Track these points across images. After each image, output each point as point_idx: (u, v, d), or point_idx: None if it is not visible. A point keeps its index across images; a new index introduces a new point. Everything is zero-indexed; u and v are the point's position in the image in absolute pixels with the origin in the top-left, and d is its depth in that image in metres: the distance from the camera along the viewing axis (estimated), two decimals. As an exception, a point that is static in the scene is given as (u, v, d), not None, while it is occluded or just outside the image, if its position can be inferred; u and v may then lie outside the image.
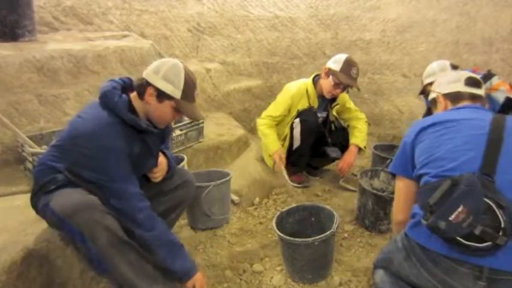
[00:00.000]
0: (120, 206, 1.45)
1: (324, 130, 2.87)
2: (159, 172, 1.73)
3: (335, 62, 2.67)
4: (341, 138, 2.91)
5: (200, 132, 2.90)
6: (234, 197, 2.54)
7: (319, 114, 2.82)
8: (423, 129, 1.36)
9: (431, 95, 1.62)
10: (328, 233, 1.74)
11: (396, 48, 4.53)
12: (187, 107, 1.54)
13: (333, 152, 2.88)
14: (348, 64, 2.63)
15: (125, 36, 3.53)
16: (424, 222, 1.16)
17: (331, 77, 2.65)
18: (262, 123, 2.82)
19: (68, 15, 3.51)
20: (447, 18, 4.51)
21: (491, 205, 1.08)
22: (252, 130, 4.07)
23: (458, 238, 1.10)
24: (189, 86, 1.52)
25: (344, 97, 2.90)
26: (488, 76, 1.83)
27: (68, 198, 1.40)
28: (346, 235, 2.28)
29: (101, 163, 1.42)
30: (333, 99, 2.83)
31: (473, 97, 1.47)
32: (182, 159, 2.42)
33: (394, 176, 1.53)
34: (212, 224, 2.26)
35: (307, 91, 2.75)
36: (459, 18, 4.52)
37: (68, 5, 3.49)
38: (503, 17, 4.49)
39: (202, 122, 2.89)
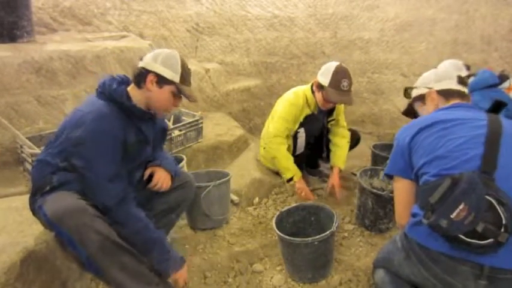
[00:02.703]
0: (95, 199, 1.44)
1: (323, 141, 2.83)
2: (161, 184, 1.74)
3: (323, 75, 2.45)
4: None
5: (199, 132, 2.90)
6: (234, 197, 2.53)
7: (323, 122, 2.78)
8: (421, 129, 1.35)
9: (419, 91, 1.59)
10: (328, 232, 1.74)
11: (395, 47, 4.53)
12: (186, 90, 1.62)
13: (327, 169, 2.87)
14: (337, 76, 2.40)
15: (123, 36, 3.53)
16: (425, 221, 1.16)
17: (321, 92, 2.50)
18: (276, 142, 2.58)
19: (66, 16, 3.50)
20: (446, 17, 4.51)
21: (493, 202, 1.08)
22: (251, 130, 4.07)
23: (460, 236, 1.10)
24: (186, 71, 1.62)
25: (339, 108, 2.80)
26: (504, 77, 1.84)
27: (59, 202, 1.39)
28: (346, 234, 2.27)
29: (91, 148, 1.43)
30: (331, 110, 2.74)
31: (462, 95, 1.48)
32: (181, 160, 2.42)
33: (390, 177, 1.51)
34: (211, 224, 2.26)
35: (307, 100, 2.60)
36: (458, 17, 4.52)
37: (66, 6, 3.49)
38: (502, 15, 4.49)
39: (202, 122, 2.89)
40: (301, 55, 4.50)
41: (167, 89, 1.59)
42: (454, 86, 1.49)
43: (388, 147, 3.22)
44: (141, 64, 1.58)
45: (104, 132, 1.44)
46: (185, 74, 1.62)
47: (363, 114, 4.46)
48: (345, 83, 2.40)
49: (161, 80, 1.57)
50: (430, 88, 1.53)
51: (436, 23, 4.51)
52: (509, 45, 4.46)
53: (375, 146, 3.16)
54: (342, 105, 2.81)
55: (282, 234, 1.79)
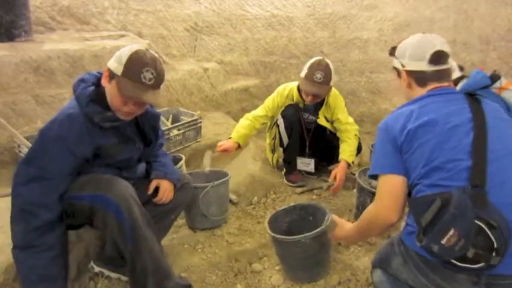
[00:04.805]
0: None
1: (304, 135, 2.83)
2: (165, 198, 1.74)
3: (304, 68, 2.59)
4: (325, 147, 2.90)
5: (198, 132, 2.90)
6: (233, 197, 2.53)
7: (306, 115, 2.80)
8: (409, 133, 1.26)
9: (395, 62, 1.45)
10: (318, 230, 1.72)
11: (394, 47, 4.54)
12: (128, 85, 1.38)
13: (304, 165, 2.85)
14: (312, 68, 2.51)
15: (122, 36, 3.53)
16: (418, 244, 1.15)
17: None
18: (245, 117, 2.81)
19: (65, 15, 3.49)
20: (444, 16, 4.52)
21: (483, 227, 1.06)
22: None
23: (452, 261, 1.10)
24: (133, 63, 1.38)
25: (335, 103, 2.80)
26: (495, 77, 1.81)
27: (93, 178, 1.47)
28: (344, 234, 2.27)
29: (39, 149, 1.40)
30: (319, 106, 2.77)
31: (439, 76, 1.35)
32: (180, 159, 2.41)
33: (375, 177, 1.35)
34: (210, 224, 2.26)
35: (292, 93, 2.73)
36: (456, 16, 4.53)
37: (65, 5, 3.48)
38: (500, 15, 4.50)
39: (200, 122, 2.89)
40: (299, 55, 4.50)
41: (113, 83, 1.41)
42: (426, 67, 1.34)
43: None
44: None
45: (55, 138, 1.39)
46: (131, 66, 1.37)
47: (361, 114, 4.46)
48: (318, 75, 2.48)
49: (110, 74, 1.41)
50: (402, 65, 1.41)
51: (435, 23, 4.51)
52: (507, 45, 4.47)
53: (373, 146, 3.16)
54: (341, 103, 2.83)
55: (272, 233, 1.79)
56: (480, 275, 1.11)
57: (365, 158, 3.35)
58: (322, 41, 4.52)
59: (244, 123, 2.77)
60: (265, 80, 4.41)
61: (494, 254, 1.06)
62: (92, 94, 1.44)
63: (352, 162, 2.76)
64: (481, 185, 1.12)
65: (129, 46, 1.46)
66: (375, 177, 1.35)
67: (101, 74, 1.53)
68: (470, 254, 1.06)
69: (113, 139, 1.52)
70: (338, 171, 2.64)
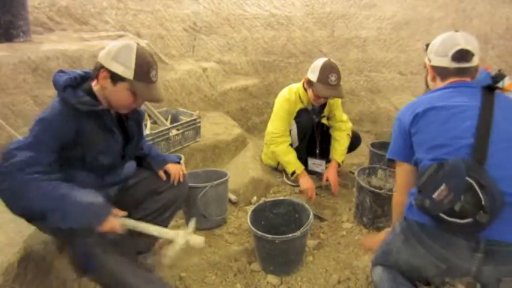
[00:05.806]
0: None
1: (316, 136, 2.83)
2: (179, 175, 1.84)
3: (312, 71, 2.52)
4: (327, 143, 2.91)
5: (197, 131, 2.89)
6: (232, 196, 2.53)
7: (313, 117, 2.79)
8: (417, 115, 1.36)
9: (426, 58, 1.57)
10: (290, 235, 1.78)
11: (392, 45, 4.54)
12: (143, 88, 1.47)
13: (315, 166, 2.85)
14: (325, 72, 2.45)
15: (120, 36, 3.52)
16: (413, 202, 1.25)
17: (311, 88, 2.56)
18: (277, 141, 2.68)
19: (63, 16, 3.49)
20: (443, 15, 4.52)
21: (473, 184, 1.13)
22: (249, 129, 4.07)
23: (441, 215, 1.16)
24: (142, 66, 1.45)
25: (334, 100, 2.82)
26: (500, 76, 1.81)
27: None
28: (344, 233, 2.28)
29: (35, 128, 1.45)
30: (323, 105, 2.79)
31: (460, 72, 1.42)
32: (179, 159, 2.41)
33: (392, 161, 1.53)
34: (209, 224, 2.26)
35: (299, 96, 2.67)
36: (455, 15, 4.52)
37: (63, 5, 3.47)
38: (499, 14, 4.50)
39: (199, 122, 2.89)
40: (298, 54, 4.50)
41: (122, 86, 1.45)
42: (448, 64, 1.43)
43: (386, 145, 3.22)
44: (98, 57, 1.47)
45: (51, 124, 1.43)
46: (140, 70, 1.45)
47: (360, 113, 4.47)
48: (332, 78, 2.47)
49: (114, 77, 1.44)
50: (429, 59, 1.52)
51: (433, 22, 4.51)
52: (506, 43, 4.47)
53: (372, 145, 3.17)
54: (339, 100, 2.85)
55: (250, 223, 1.86)
56: (478, 241, 1.16)
57: (364, 158, 3.36)
58: (321, 40, 4.52)
59: (284, 147, 2.67)
60: (264, 80, 4.41)
61: (481, 211, 1.11)
62: (68, 81, 1.45)
63: (342, 162, 2.83)
64: (481, 162, 1.18)
65: (122, 45, 1.46)
66: (391, 160, 1.54)
67: (86, 73, 1.53)
68: (457, 207, 1.13)
69: (91, 125, 1.49)
70: (329, 172, 2.69)
